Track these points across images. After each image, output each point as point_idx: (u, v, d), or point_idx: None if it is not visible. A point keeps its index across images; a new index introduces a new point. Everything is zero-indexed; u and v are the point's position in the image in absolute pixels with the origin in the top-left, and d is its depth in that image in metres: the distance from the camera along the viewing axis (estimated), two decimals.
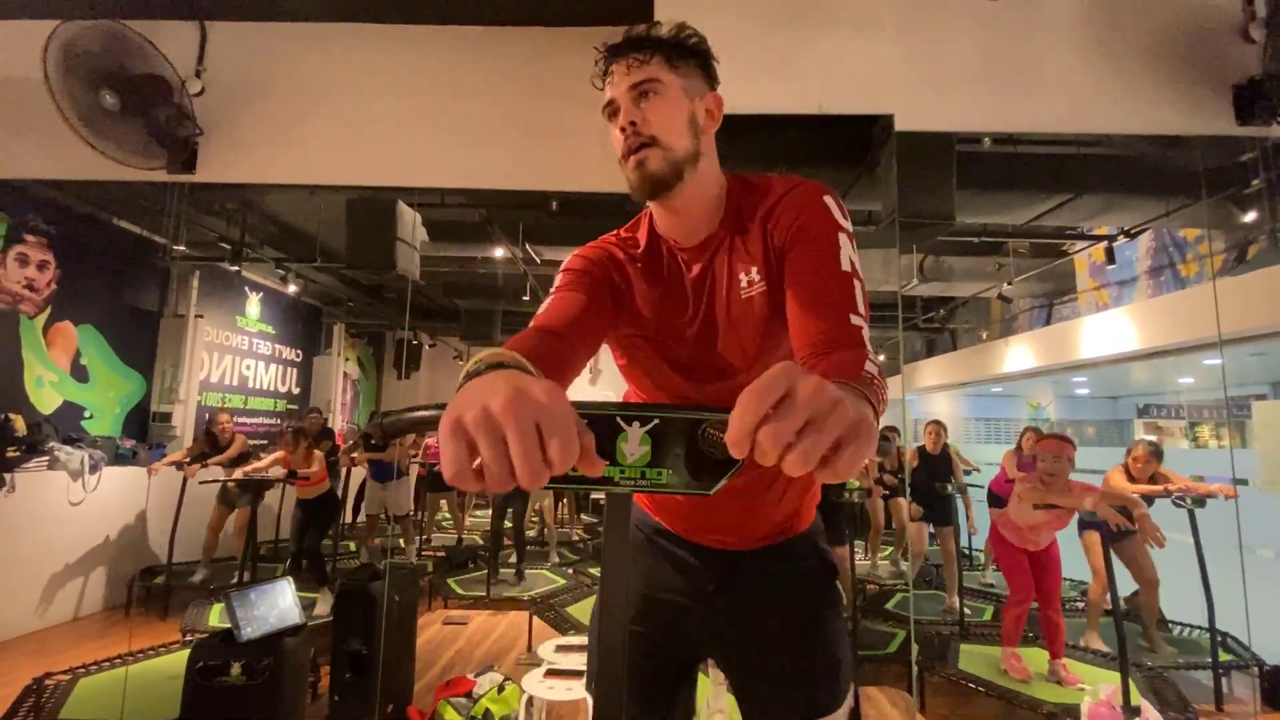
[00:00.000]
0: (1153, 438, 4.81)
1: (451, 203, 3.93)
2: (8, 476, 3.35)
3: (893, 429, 4.81)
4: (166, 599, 3.79)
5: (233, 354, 5.23)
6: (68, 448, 3.68)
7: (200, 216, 4.05)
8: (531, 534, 6.01)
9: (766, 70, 2.34)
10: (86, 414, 4.08)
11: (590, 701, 0.99)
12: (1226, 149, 2.68)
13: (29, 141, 2.73)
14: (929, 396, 8.55)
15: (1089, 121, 2.54)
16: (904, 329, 7.05)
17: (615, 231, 0.97)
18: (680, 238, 0.90)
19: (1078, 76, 2.52)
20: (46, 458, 3.56)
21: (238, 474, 3.73)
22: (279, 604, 2.49)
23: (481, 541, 5.62)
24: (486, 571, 4.54)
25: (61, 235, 3.90)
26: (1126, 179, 3.29)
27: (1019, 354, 6.28)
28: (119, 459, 3.99)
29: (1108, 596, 3.35)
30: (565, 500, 6.86)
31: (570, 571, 5.03)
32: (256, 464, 3.79)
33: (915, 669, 3.00)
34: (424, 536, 5.50)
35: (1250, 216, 3.36)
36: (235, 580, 3.51)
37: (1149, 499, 3.12)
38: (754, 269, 0.85)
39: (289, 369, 6.07)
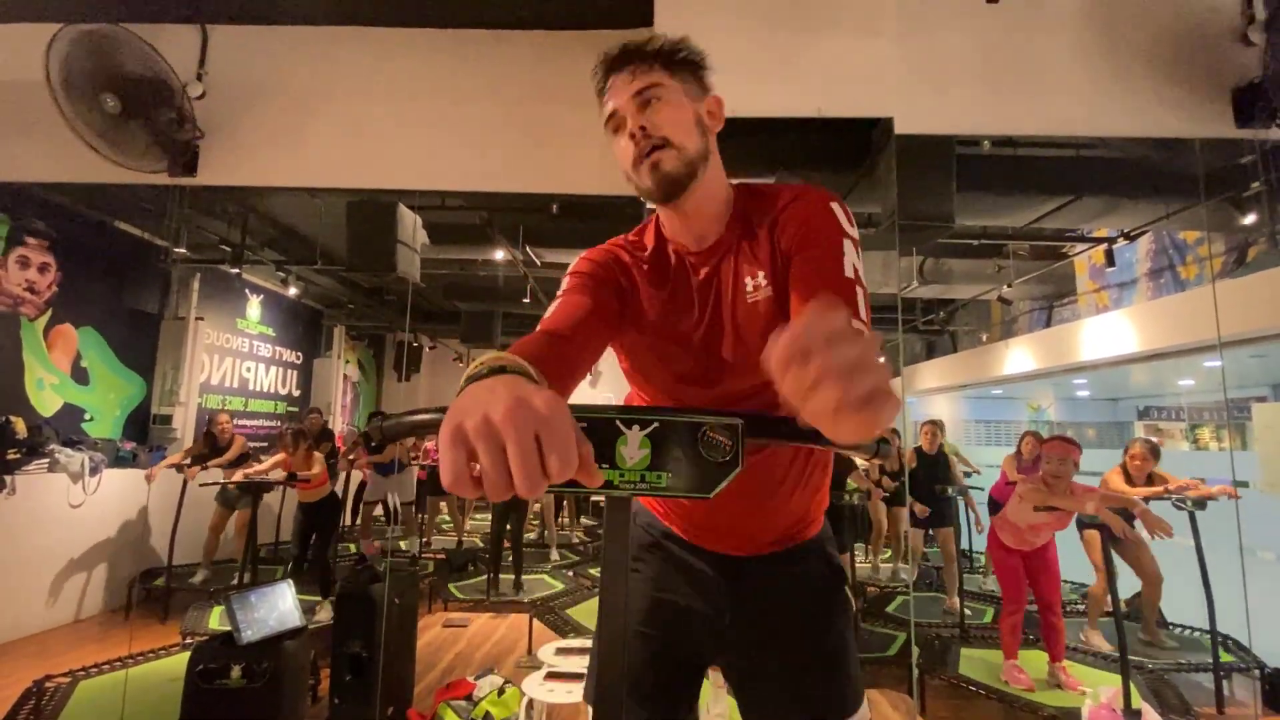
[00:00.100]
0: (1149, 436, 4.80)
1: (452, 205, 3.93)
2: (8, 479, 3.35)
3: (893, 431, 4.80)
4: (167, 601, 3.79)
5: (233, 356, 5.23)
6: (68, 450, 3.68)
7: (201, 219, 4.06)
8: (532, 536, 6.00)
9: (766, 73, 2.34)
10: (87, 416, 4.08)
11: (590, 711, 0.98)
12: (1226, 151, 2.68)
13: (31, 144, 2.74)
14: (929, 399, 8.54)
15: (1088, 124, 2.55)
16: (904, 331, 7.05)
17: (622, 235, 0.98)
18: (688, 242, 0.90)
19: (1077, 79, 2.53)
20: (47, 460, 3.56)
21: (238, 476, 3.73)
22: (279, 607, 2.49)
23: (481, 544, 5.62)
24: (487, 576, 4.53)
25: (62, 238, 3.90)
26: (1126, 181, 3.29)
27: (1019, 356, 6.27)
28: (119, 461, 3.99)
29: (1109, 595, 3.35)
30: (565, 502, 6.85)
31: (570, 574, 5.02)
32: (257, 466, 3.79)
33: (916, 672, 3.00)
34: (424, 539, 5.49)
35: (1250, 219, 3.36)
36: (235, 582, 3.51)
37: (1150, 501, 3.11)
38: (760, 274, 0.85)
39: (289, 371, 6.07)
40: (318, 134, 2.81)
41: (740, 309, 0.87)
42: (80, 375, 4.05)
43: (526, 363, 0.56)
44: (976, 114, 2.55)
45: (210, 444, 4.11)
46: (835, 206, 0.83)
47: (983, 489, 4.74)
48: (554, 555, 5.57)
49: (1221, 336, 2.88)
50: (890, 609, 4.24)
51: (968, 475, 5.20)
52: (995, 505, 4.42)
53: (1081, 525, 3.45)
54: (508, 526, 4.54)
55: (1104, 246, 4.21)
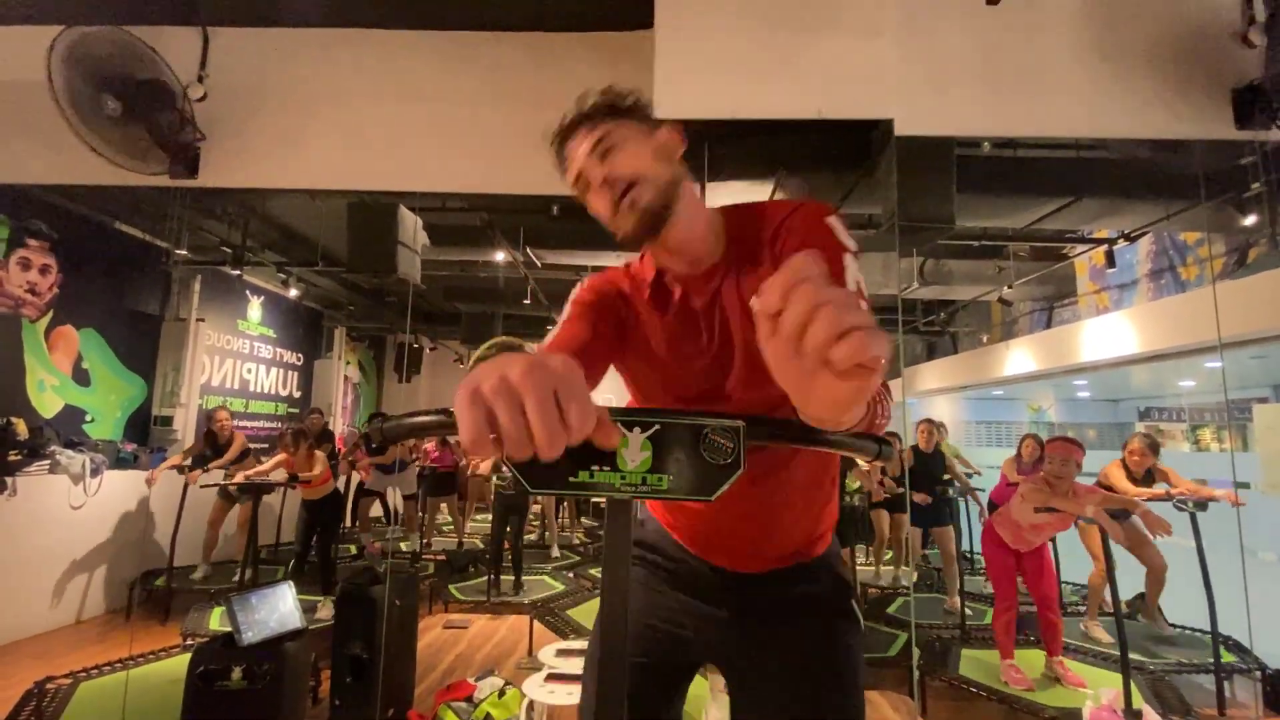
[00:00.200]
0: (1146, 431, 4.77)
1: (452, 207, 3.94)
2: (9, 480, 3.36)
3: (894, 434, 4.80)
4: (168, 603, 3.79)
5: (234, 357, 5.24)
6: (69, 451, 3.68)
7: (202, 221, 4.07)
8: (533, 537, 6.00)
9: (766, 74, 2.34)
10: (88, 418, 4.08)
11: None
12: (1226, 153, 2.68)
13: (32, 146, 2.75)
14: (929, 400, 8.53)
15: (1089, 125, 2.55)
16: (904, 332, 7.05)
17: (625, 264, 0.99)
18: (684, 269, 0.91)
19: (1077, 80, 2.53)
20: (48, 461, 3.57)
21: (239, 477, 3.73)
22: (280, 608, 2.49)
23: (482, 545, 5.62)
24: (487, 577, 4.53)
25: (64, 239, 3.91)
26: (1126, 183, 3.30)
27: (1020, 357, 6.27)
28: (120, 463, 4.00)
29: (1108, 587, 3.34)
30: (566, 504, 6.85)
31: (571, 575, 5.02)
32: (259, 467, 3.80)
33: (917, 673, 3.00)
34: (424, 540, 5.50)
35: (1250, 220, 3.36)
36: (236, 581, 3.51)
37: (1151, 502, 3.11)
38: None
39: (290, 372, 6.08)
40: (318, 136, 2.81)
41: (749, 331, 0.86)
42: (81, 377, 4.05)
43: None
44: (977, 115, 2.55)
45: (210, 442, 4.11)
46: (833, 220, 0.83)
47: (984, 490, 4.74)
48: (555, 552, 5.57)
49: (1222, 337, 2.88)
50: (891, 610, 4.24)
51: (969, 476, 5.20)
52: (994, 508, 4.42)
53: (1080, 521, 3.45)
54: (508, 528, 4.54)
55: (1104, 248, 4.21)
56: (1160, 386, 7.54)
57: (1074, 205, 3.36)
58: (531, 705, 2.37)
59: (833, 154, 2.82)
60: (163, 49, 2.58)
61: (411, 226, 3.28)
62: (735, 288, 0.87)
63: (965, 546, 5.21)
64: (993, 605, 4.23)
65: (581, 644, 2.84)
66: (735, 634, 0.97)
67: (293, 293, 5.60)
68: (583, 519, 7.32)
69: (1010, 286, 5.02)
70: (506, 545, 4.56)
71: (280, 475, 3.74)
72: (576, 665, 2.51)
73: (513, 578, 4.59)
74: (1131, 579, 3.46)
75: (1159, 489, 3.34)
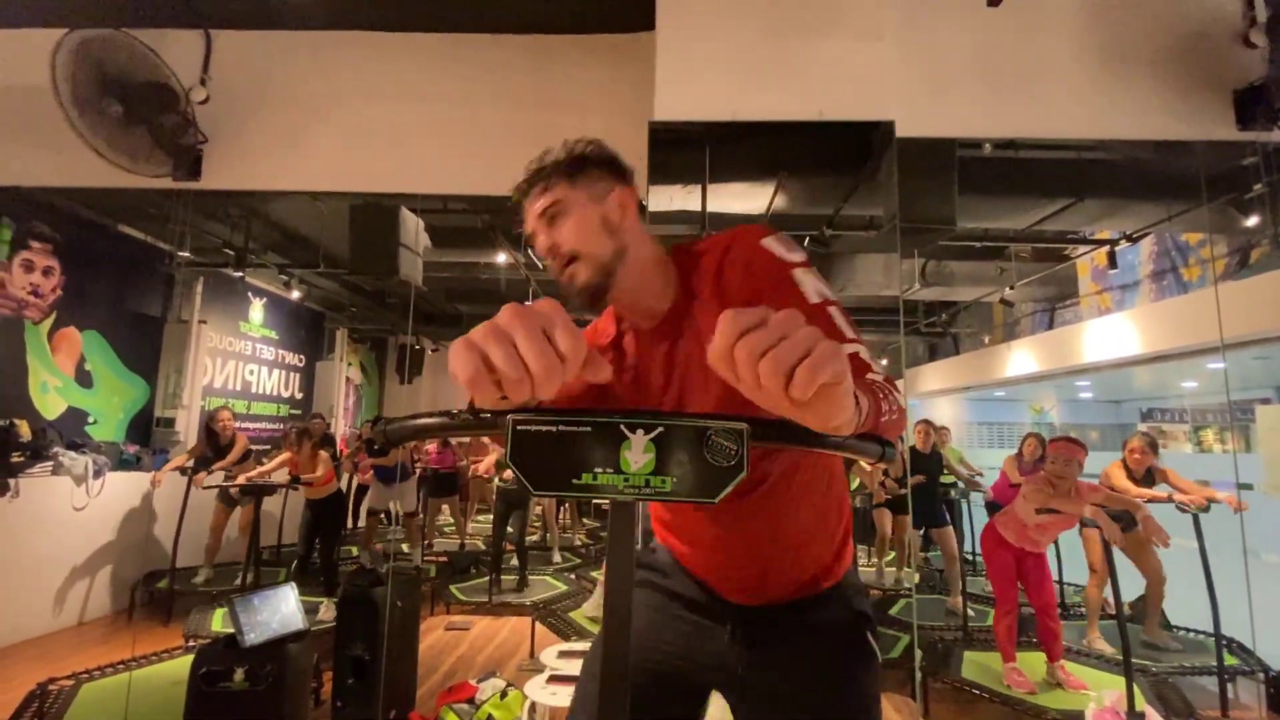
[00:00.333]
0: (1146, 429, 4.75)
1: (454, 208, 3.94)
2: (12, 482, 3.36)
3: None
4: (170, 604, 3.79)
5: (236, 359, 5.24)
6: (72, 453, 3.69)
7: (204, 223, 4.07)
8: (534, 538, 6.00)
9: (767, 76, 2.35)
10: (90, 419, 4.09)
11: None
12: (1228, 153, 2.67)
13: (35, 149, 2.76)
14: (931, 401, 8.53)
15: (1090, 127, 2.55)
16: (906, 333, 7.02)
17: (591, 323, 1.01)
18: (641, 320, 0.92)
19: (1079, 82, 2.53)
20: (51, 463, 3.57)
21: (241, 479, 3.73)
22: (282, 609, 2.49)
23: (484, 546, 5.62)
24: (489, 579, 4.53)
25: (66, 242, 3.92)
26: (1128, 184, 3.29)
27: (1021, 358, 6.27)
28: (123, 464, 4.00)
29: (1104, 594, 3.34)
30: (566, 505, 6.85)
31: (573, 576, 5.02)
32: (263, 467, 3.80)
33: (919, 675, 2.99)
34: (426, 541, 5.50)
35: (1252, 221, 3.35)
36: (238, 583, 3.51)
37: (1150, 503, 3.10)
38: None
39: (292, 374, 6.08)
40: (320, 138, 2.82)
41: (710, 376, 0.84)
42: (84, 378, 4.06)
43: None
44: (978, 117, 2.55)
45: (212, 442, 4.11)
46: (769, 241, 0.82)
47: (984, 490, 4.73)
48: (556, 558, 5.57)
49: (1224, 338, 2.88)
50: (893, 612, 4.23)
51: (970, 478, 5.20)
52: (995, 508, 4.41)
53: (1083, 523, 3.45)
54: (509, 529, 4.54)
55: (1106, 248, 4.20)
56: (1163, 387, 7.53)
57: (1076, 206, 3.36)
58: (534, 707, 2.37)
59: (834, 156, 2.82)
60: (165, 52, 2.58)
61: (413, 228, 3.28)
62: (693, 332, 0.87)
63: (967, 548, 5.21)
64: (994, 607, 4.24)
65: (583, 645, 2.84)
66: (743, 669, 0.94)
67: (295, 294, 5.60)
68: (585, 520, 7.32)
69: (1012, 288, 5.01)
70: (508, 546, 4.56)
71: (283, 476, 3.74)
72: (578, 667, 2.50)
73: (517, 576, 4.59)
74: (1131, 582, 3.45)
75: (1160, 490, 3.34)
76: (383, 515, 5.45)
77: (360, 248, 3.18)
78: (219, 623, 3.33)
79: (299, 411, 6.07)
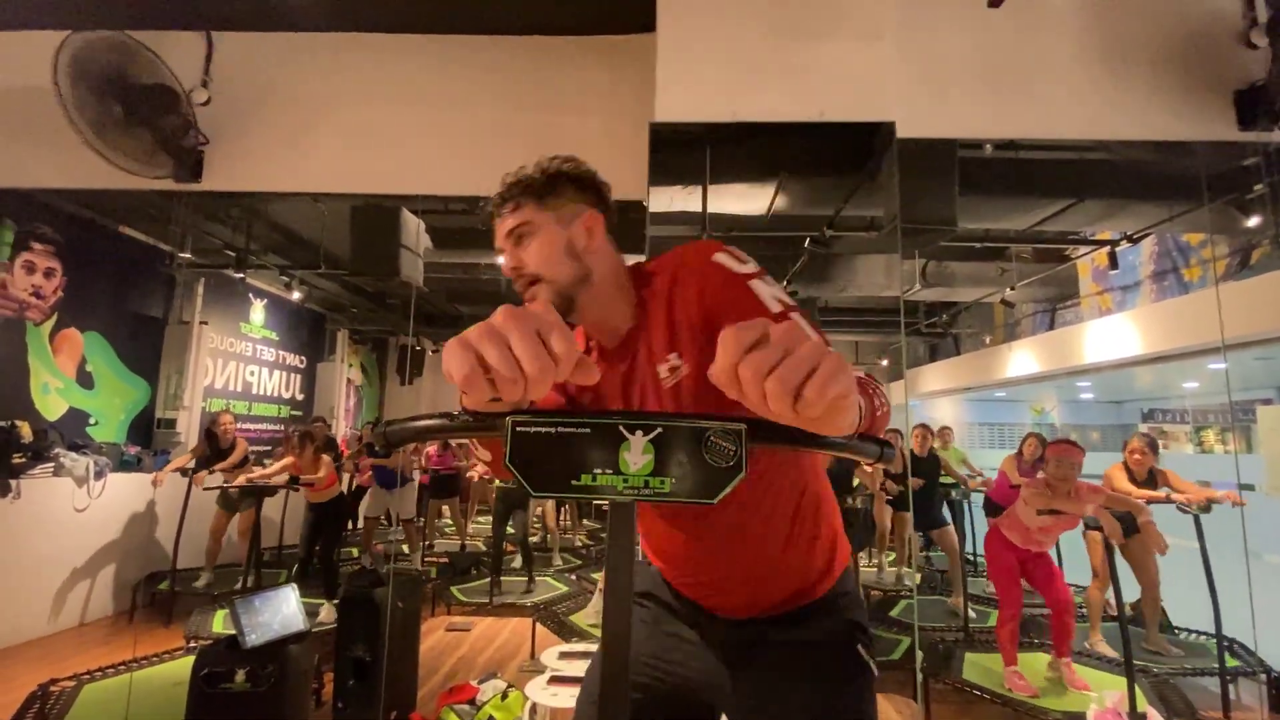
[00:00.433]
0: (1147, 430, 4.74)
1: (455, 210, 3.94)
2: (14, 483, 3.37)
3: (895, 432, 4.80)
4: (171, 605, 3.79)
5: (237, 360, 5.24)
6: (73, 454, 3.69)
7: (205, 224, 4.07)
8: (534, 540, 6.00)
9: (768, 77, 2.35)
10: (92, 420, 4.09)
11: None
12: (1229, 154, 2.68)
13: (37, 150, 2.76)
14: (932, 401, 8.53)
15: (1091, 127, 2.55)
16: (906, 334, 7.03)
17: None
18: (605, 341, 0.93)
19: (1079, 82, 2.53)
20: (52, 464, 3.58)
21: (241, 480, 3.74)
22: (283, 610, 2.49)
23: (485, 547, 5.62)
24: (489, 579, 4.53)
25: (68, 243, 3.92)
26: (1129, 184, 3.29)
27: (1022, 359, 6.27)
28: (124, 465, 4.01)
29: (1106, 598, 3.33)
30: (567, 507, 6.85)
31: (574, 578, 5.02)
32: (264, 470, 3.80)
33: (920, 676, 2.99)
34: (426, 542, 5.50)
35: (1253, 221, 3.35)
36: (239, 586, 3.51)
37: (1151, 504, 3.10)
38: (672, 355, 0.84)
39: (293, 375, 6.08)
40: (321, 140, 2.82)
41: (663, 395, 0.85)
42: (85, 379, 4.06)
43: None
44: (978, 117, 2.55)
45: (213, 446, 4.11)
46: (721, 257, 0.81)
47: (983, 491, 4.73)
48: (556, 560, 5.56)
49: (1226, 339, 2.88)
50: (894, 613, 4.22)
51: (972, 479, 5.19)
52: (993, 507, 4.41)
53: (1087, 525, 3.45)
54: (509, 530, 4.54)
55: (1107, 249, 4.20)
56: (1164, 388, 7.52)
57: (1076, 207, 3.36)
58: (534, 708, 2.37)
59: (834, 157, 2.82)
60: (167, 54, 2.59)
61: (414, 229, 3.29)
62: (647, 355, 0.87)
63: (968, 548, 5.20)
64: (996, 608, 4.24)
65: (584, 646, 2.84)
66: (733, 685, 0.92)
67: (295, 296, 5.60)
68: (585, 521, 7.32)
69: (1013, 288, 5.01)
70: (510, 547, 4.55)
71: (283, 479, 3.75)
72: (579, 668, 2.50)
73: (522, 577, 4.59)
74: (1132, 583, 3.45)
75: (1161, 492, 3.33)
76: (381, 518, 5.46)
77: (361, 249, 3.18)
78: (220, 624, 3.34)
79: (300, 413, 6.07)
